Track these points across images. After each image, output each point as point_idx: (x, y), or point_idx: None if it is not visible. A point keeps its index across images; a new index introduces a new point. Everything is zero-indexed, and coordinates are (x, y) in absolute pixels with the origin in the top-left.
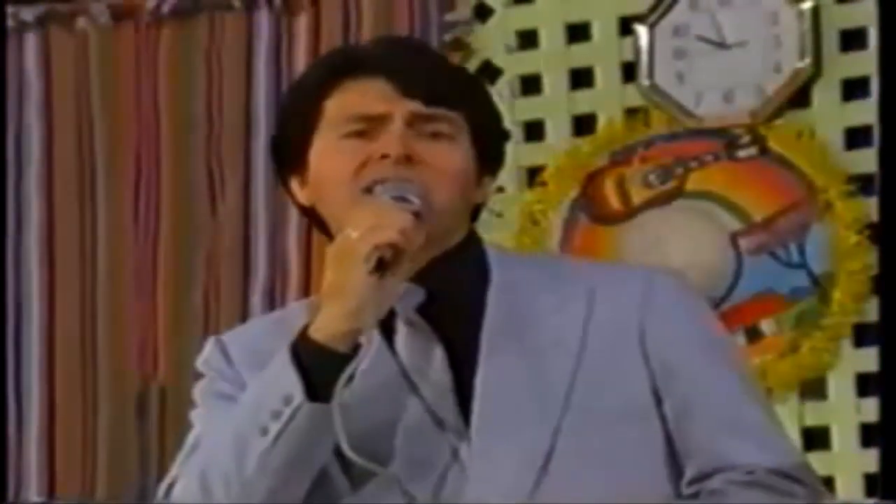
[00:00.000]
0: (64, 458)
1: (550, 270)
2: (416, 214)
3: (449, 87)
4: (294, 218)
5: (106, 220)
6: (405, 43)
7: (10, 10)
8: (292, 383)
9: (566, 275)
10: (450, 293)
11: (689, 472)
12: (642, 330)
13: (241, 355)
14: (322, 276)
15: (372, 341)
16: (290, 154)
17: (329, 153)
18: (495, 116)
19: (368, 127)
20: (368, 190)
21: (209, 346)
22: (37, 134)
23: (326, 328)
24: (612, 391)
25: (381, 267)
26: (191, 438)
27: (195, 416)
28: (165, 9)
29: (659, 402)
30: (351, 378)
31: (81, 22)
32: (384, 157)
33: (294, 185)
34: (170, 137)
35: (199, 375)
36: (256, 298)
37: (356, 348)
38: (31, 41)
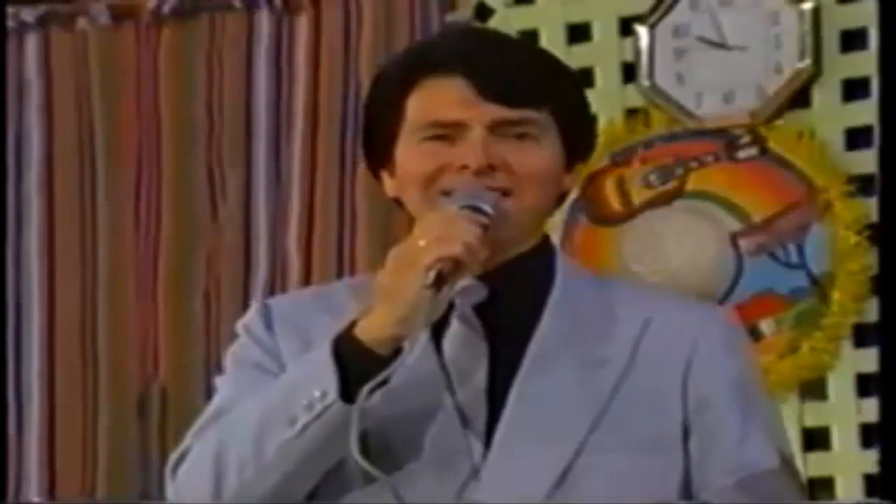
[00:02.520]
0: (64, 458)
1: (614, 292)
2: (486, 227)
3: (533, 86)
4: (294, 218)
5: (106, 221)
6: (485, 37)
7: (10, 10)
8: (329, 379)
9: (628, 299)
10: (510, 297)
11: None
12: (688, 366)
13: (282, 324)
14: (322, 275)
15: (413, 346)
16: (377, 149)
17: (410, 155)
18: (583, 106)
19: (448, 132)
20: (447, 194)
21: (253, 309)
22: (37, 134)
23: (373, 330)
24: (644, 419)
25: (439, 281)
26: (212, 406)
27: (221, 380)
28: (166, 9)
29: (686, 436)
30: (384, 382)
31: (81, 22)
32: (464, 167)
33: (384, 175)
34: (170, 137)
35: (199, 376)
36: (257, 299)
37: (398, 352)
38: (31, 41)
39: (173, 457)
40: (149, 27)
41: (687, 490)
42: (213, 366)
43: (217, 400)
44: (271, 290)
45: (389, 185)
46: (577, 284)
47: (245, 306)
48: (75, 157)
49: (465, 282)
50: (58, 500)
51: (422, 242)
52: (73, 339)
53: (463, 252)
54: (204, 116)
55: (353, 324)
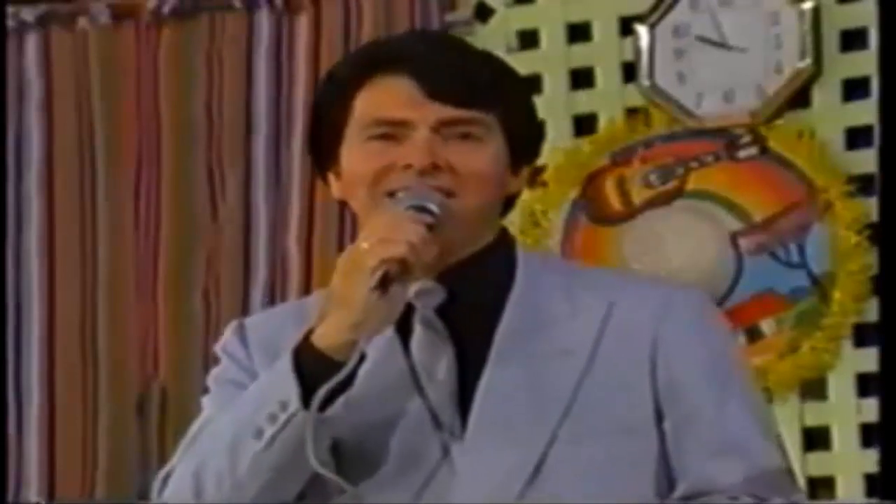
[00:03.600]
0: (64, 458)
1: (576, 280)
2: (431, 227)
3: (479, 87)
4: (294, 218)
5: (106, 221)
6: (435, 38)
7: (10, 10)
8: (290, 389)
9: (591, 285)
10: (471, 295)
11: (680, 489)
12: (654, 347)
13: (258, 342)
14: (322, 275)
15: (364, 350)
16: (323, 149)
17: (355, 154)
18: (529, 112)
19: (393, 131)
20: (392, 194)
21: (229, 330)
22: (37, 134)
23: (327, 337)
24: (614, 405)
25: (385, 283)
26: (196, 425)
27: (205, 400)
28: (166, 9)
29: (660, 419)
30: (347, 386)
31: (81, 22)
32: (408, 166)
33: (330, 177)
34: (170, 137)
35: (199, 376)
36: (257, 298)
37: (361, 356)
38: (31, 41)
39: (161, 475)
40: (149, 27)
41: (666, 474)
42: (213, 365)
43: (199, 419)
44: (271, 290)
45: (336, 187)
46: (539, 275)
47: (245, 306)
48: (75, 157)
49: (423, 285)
50: (57, 501)
51: (365, 245)
52: (73, 339)
53: (407, 252)
54: (204, 116)
55: (310, 332)
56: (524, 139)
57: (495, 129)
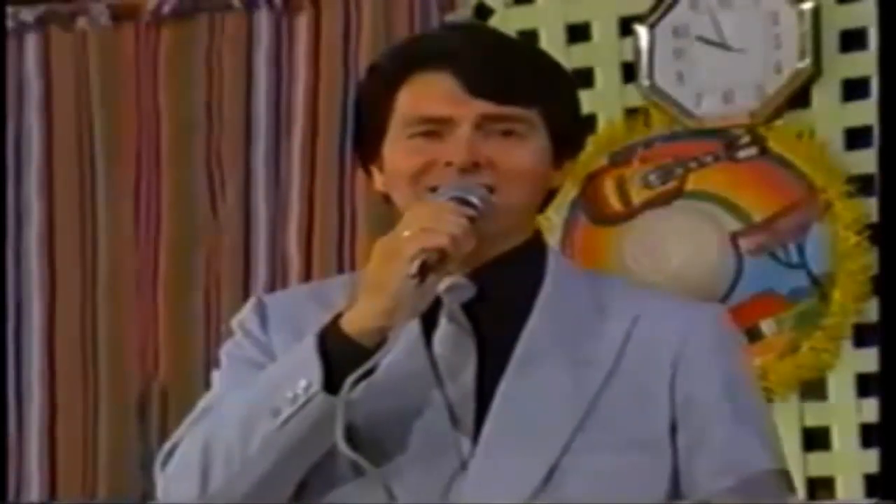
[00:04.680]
0: (65, 458)
1: (605, 290)
2: (473, 219)
3: (522, 84)
4: (294, 218)
5: (106, 221)
6: (477, 33)
7: (10, 10)
8: (313, 370)
9: (616, 297)
10: (499, 295)
11: None
12: (675, 365)
13: (277, 320)
14: (322, 275)
15: (396, 339)
16: (367, 143)
17: (397, 151)
18: (574, 105)
19: (435, 128)
20: (433, 189)
21: (248, 305)
22: (37, 134)
23: (358, 321)
24: (631, 418)
25: (423, 272)
26: (204, 400)
27: (216, 376)
28: (165, 9)
29: (674, 435)
30: (370, 372)
31: (81, 22)
32: (449, 163)
33: (374, 170)
34: (170, 138)
35: (199, 376)
36: None
37: (383, 343)
38: (31, 41)
39: (163, 450)
40: (149, 27)
41: (676, 490)
42: (214, 365)
43: (209, 395)
44: (271, 290)
45: (379, 180)
46: (567, 282)
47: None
48: (75, 157)
49: (454, 280)
50: (58, 501)
51: (407, 233)
52: (73, 339)
53: (448, 243)
54: (204, 116)
55: (338, 316)
56: (567, 134)
57: (538, 124)
